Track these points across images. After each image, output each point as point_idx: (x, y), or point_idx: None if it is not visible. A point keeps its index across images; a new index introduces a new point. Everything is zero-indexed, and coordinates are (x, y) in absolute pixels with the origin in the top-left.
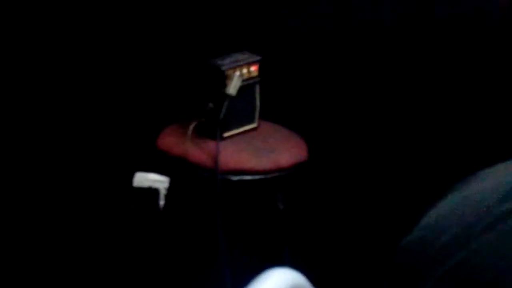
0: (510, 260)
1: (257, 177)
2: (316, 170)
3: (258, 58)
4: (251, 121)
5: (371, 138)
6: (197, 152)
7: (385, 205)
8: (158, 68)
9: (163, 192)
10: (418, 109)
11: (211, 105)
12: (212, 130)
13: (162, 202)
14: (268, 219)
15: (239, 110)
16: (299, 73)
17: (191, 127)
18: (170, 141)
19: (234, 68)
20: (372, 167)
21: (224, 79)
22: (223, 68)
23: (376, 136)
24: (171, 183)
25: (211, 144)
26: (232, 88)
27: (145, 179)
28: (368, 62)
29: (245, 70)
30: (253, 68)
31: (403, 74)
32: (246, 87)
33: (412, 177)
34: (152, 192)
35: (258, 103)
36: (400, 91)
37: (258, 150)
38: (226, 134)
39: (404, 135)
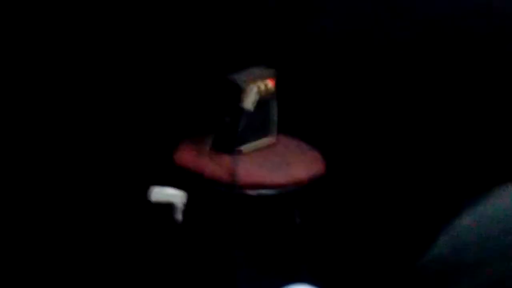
0: None
1: (274, 191)
2: (334, 184)
3: (274, 72)
4: (268, 135)
5: (389, 153)
6: (214, 166)
7: (403, 221)
8: (175, 82)
9: (180, 206)
10: (435, 124)
11: (228, 119)
12: (229, 145)
13: (179, 217)
14: (286, 234)
15: (256, 124)
16: (316, 87)
17: (208, 141)
18: (187, 156)
19: (251, 83)
20: (390, 182)
21: (240, 93)
22: (240, 82)
23: (394, 151)
24: (188, 198)
25: (228, 159)
26: (249, 102)
27: (162, 193)
28: (386, 77)
29: (261, 85)
30: (270, 83)
31: (422, 91)
32: (263, 102)
33: (429, 190)
34: (169, 206)
35: (275, 117)
36: (420, 108)
37: (275, 165)
38: (243, 149)
39: (422, 150)
